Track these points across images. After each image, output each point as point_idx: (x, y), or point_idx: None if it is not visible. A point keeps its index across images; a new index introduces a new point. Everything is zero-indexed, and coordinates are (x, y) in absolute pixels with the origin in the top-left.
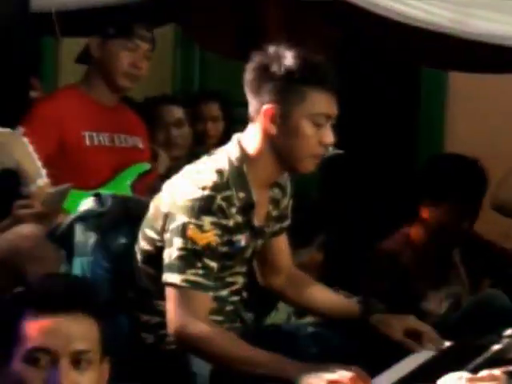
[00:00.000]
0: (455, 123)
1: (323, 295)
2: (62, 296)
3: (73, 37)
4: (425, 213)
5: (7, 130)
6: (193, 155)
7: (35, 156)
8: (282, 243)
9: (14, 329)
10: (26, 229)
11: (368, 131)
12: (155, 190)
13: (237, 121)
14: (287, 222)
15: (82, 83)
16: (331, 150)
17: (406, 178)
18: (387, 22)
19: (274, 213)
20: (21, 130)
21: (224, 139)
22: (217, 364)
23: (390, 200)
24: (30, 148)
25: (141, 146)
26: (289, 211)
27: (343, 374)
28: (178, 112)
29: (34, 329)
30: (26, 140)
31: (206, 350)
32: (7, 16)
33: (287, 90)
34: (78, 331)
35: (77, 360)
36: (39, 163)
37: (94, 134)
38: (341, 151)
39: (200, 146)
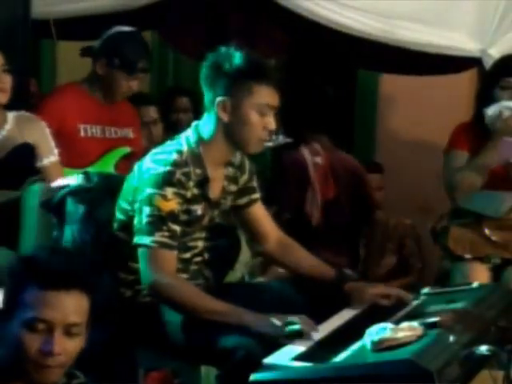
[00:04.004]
0: (385, 117)
1: (307, 260)
2: (64, 274)
3: (68, 40)
4: None
5: (32, 114)
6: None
7: (50, 137)
8: (259, 212)
9: (18, 295)
10: None
11: (313, 124)
12: None
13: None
14: (257, 194)
15: (85, 81)
16: (282, 139)
17: None
18: (331, 30)
19: (232, 188)
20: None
21: None
22: (183, 312)
23: None
24: (47, 130)
25: (131, 135)
26: (254, 185)
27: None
28: (153, 112)
29: (37, 300)
30: (44, 123)
31: (174, 300)
32: (10, 23)
33: (236, 84)
34: (74, 306)
35: (69, 330)
36: (53, 144)
37: (88, 127)
38: (289, 139)
39: (172, 134)
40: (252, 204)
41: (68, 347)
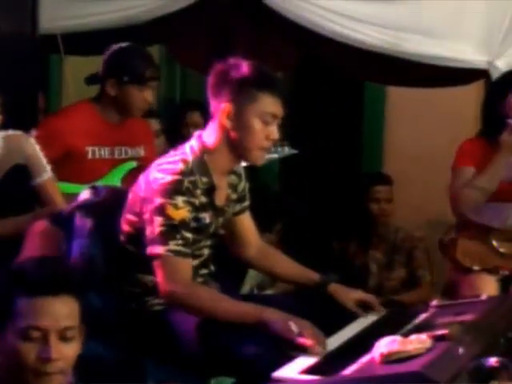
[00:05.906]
0: (393, 129)
1: (288, 265)
2: (51, 281)
3: (76, 55)
4: None
5: (19, 132)
6: None
7: (41, 154)
8: (246, 220)
9: (9, 306)
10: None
11: (320, 136)
12: None
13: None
14: (247, 203)
15: (95, 101)
16: (288, 150)
17: (351, 177)
18: (337, 43)
19: (233, 196)
20: (32, 132)
21: None
22: (204, 316)
23: (337, 196)
24: (37, 148)
25: (142, 153)
26: (246, 193)
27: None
28: (155, 124)
29: (28, 309)
30: (33, 141)
31: (193, 306)
32: (18, 38)
33: (242, 91)
34: (65, 311)
35: (64, 335)
36: (44, 160)
37: (97, 149)
38: (296, 151)
39: None
40: (243, 212)
41: (65, 352)
